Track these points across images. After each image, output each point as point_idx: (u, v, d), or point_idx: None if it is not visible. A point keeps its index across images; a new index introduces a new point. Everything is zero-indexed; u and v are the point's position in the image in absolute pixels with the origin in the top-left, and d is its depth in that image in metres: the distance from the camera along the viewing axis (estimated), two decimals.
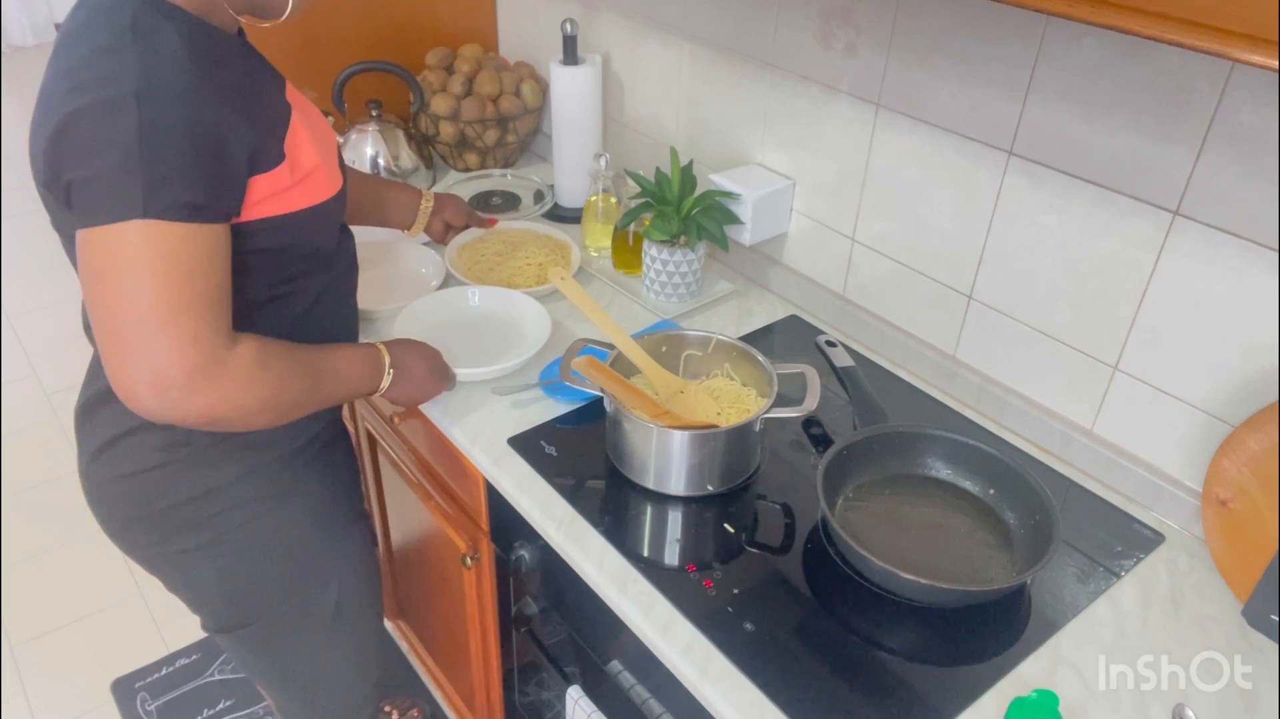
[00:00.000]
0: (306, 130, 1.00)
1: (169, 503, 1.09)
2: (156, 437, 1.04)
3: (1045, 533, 1.01)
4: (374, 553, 1.34)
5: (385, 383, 1.12)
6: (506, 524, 1.26)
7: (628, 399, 1.13)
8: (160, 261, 0.84)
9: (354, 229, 1.22)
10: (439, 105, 1.82)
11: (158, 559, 1.15)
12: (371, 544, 1.33)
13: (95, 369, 1.08)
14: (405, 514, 1.64)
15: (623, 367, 1.19)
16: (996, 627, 1.00)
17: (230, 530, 1.12)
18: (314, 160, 1.00)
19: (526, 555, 1.24)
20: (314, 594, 1.22)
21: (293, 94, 1.05)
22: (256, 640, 1.23)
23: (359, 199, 1.35)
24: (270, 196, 0.94)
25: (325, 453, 1.20)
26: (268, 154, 0.93)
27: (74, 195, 0.85)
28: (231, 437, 1.06)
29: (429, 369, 1.19)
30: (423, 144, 1.88)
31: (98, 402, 1.07)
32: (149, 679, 2.03)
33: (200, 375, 0.87)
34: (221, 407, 0.90)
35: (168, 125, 0.83)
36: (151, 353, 0.85)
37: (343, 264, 1.14)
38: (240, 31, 1.02)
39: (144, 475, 1.07)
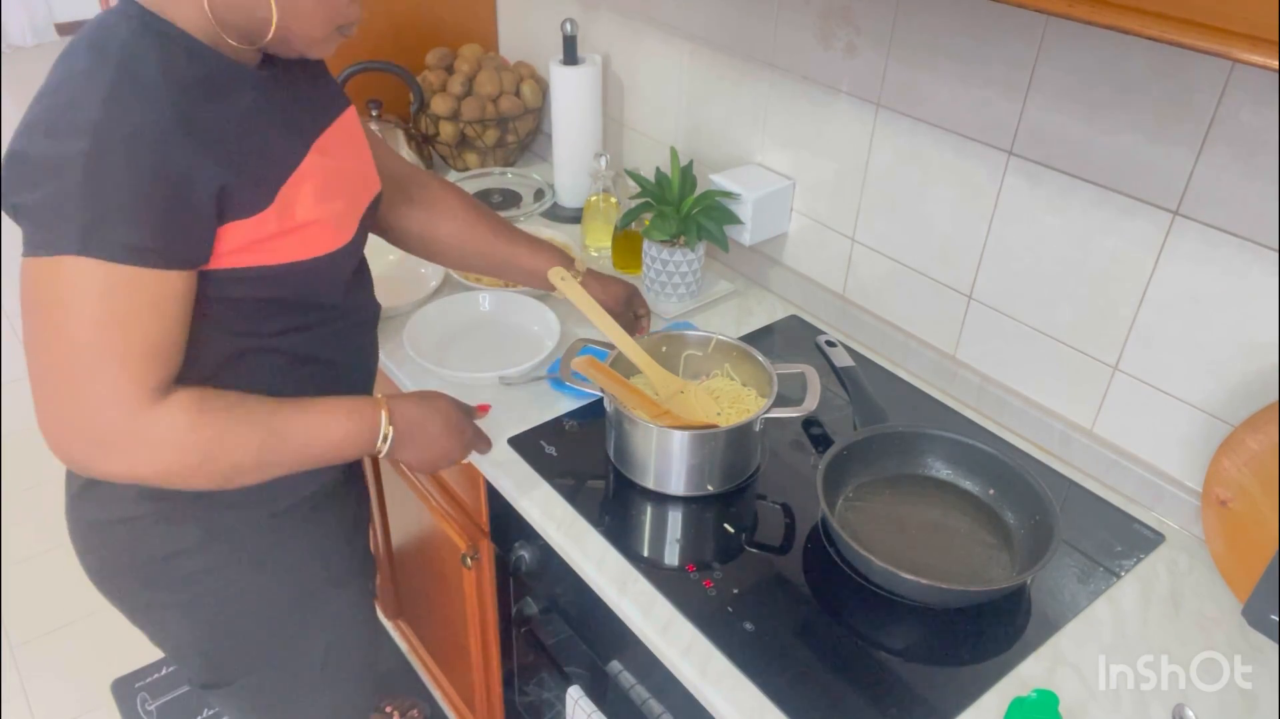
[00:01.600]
0: (320, 180, 0.93)
1: (140, 558, 1.02)
2: (132, 486, 0.96)
3: (1045, 533, 1.01)
4: (371, 605, 1.27)
5: (383, 445, 0.99)
6: (506, 524, 1.26)
7: (628, 399, 1.13)
8: (90, 305, 0.78)
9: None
10: (439, 105, 1.82)
11: (132, 610, 1.09)
12: (370, 595, 1.26)
13: None
14: (405, 514, 1.64)
15: (623, 367, 1.19)
16: (996, 627, 1.00)
17: (203, 593, 1.04)
18: (316, 213, 0.91)
19: (526, 555, 1.24)
20: (298, 656, 1.15)
21: (335, 139, 0.98)
22: (240, 697, 1.16)
23: (485, 255, 1.26)
24: (250, 245, 0.86)
25: (318, 513, 1.11)
26: (246, 199, 0.85)
27: (18, 220, 0.80)
28: (207, 494, 0.96)
29: (445, 427, 1.05)
30: (423, 144, 1.88)
31: None
32: (149, 679, 2.03)
33: (116, 433, 0.81)
34: (142, 468, 0.85)
35: (119, 160, 0.77)
36: (70, 403, 0.81)
37: (356, 316, 1.06)
38: (274, 61, 0.94)
39: (117, 526, 1.01)
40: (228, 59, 0.87)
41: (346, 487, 1.18)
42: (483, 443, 1.15)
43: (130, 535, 1.01)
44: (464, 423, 1.09)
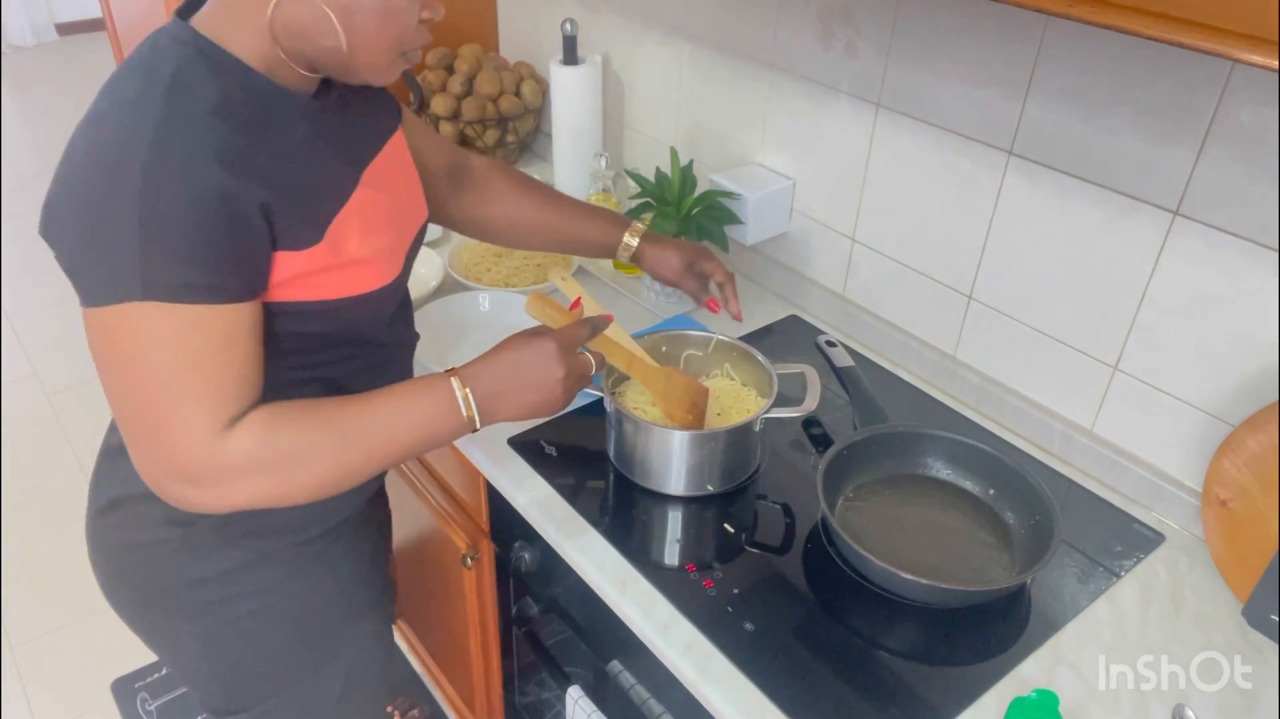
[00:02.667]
0: (368, 213, 0.90)
1: (161, 583, 1.00)
2: (156, 509, 0.93)
3: (1045, 533, 1.01)
4: (389, 629, 1.25)
5: (473, 414, 0.91)
6: (506, 524, 1.26)
7: (607, 350, 1.08)
8: (161, 349, 0.77)
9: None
10: (439, 105, 1.82)
11: (148, 634, 1.08)
12: (390, 619, 1.24)
13: None
14: (405, 514, 1.64)
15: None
16: (996, 627, 1.00)
17: (223, 622, 1.02)
18: (364, 250, 0.89)
19: (526, 555, 1.24)
20: (317, 685, 1.12)
21: (384, 165, 0.96)
22: None
23: (540, 232, 1.24)
24: (296, 279, 0.85)
25: (340, 544, 1.08)
26: (297, 232, 0.83)
27: (74, 271, 0.79)
28: (236, 523, 0.95)
29: (533, 367, 0.93)
30: None
31: (114, 454, 1.00)
32: (149, 679, 2.03)
33: (203, 471, 0.81)
34: (234, 498, 0.84)
35: (172, 201, 0.75)
36: (156, 447, 0.81)
37: (395, 349, 1.04)
38: (330, 89, 0.91)
39: (139, 550, 0.99)
40: (282, 89, 0.85)
41: (368, 515, 1.16)
42: (589, 363, 0.99)
43: (153, 560, 0.99)
44: (548, 356, 0.94)
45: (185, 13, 0.85)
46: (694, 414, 1.15)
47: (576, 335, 0.97)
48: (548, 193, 1.25)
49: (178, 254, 0.76)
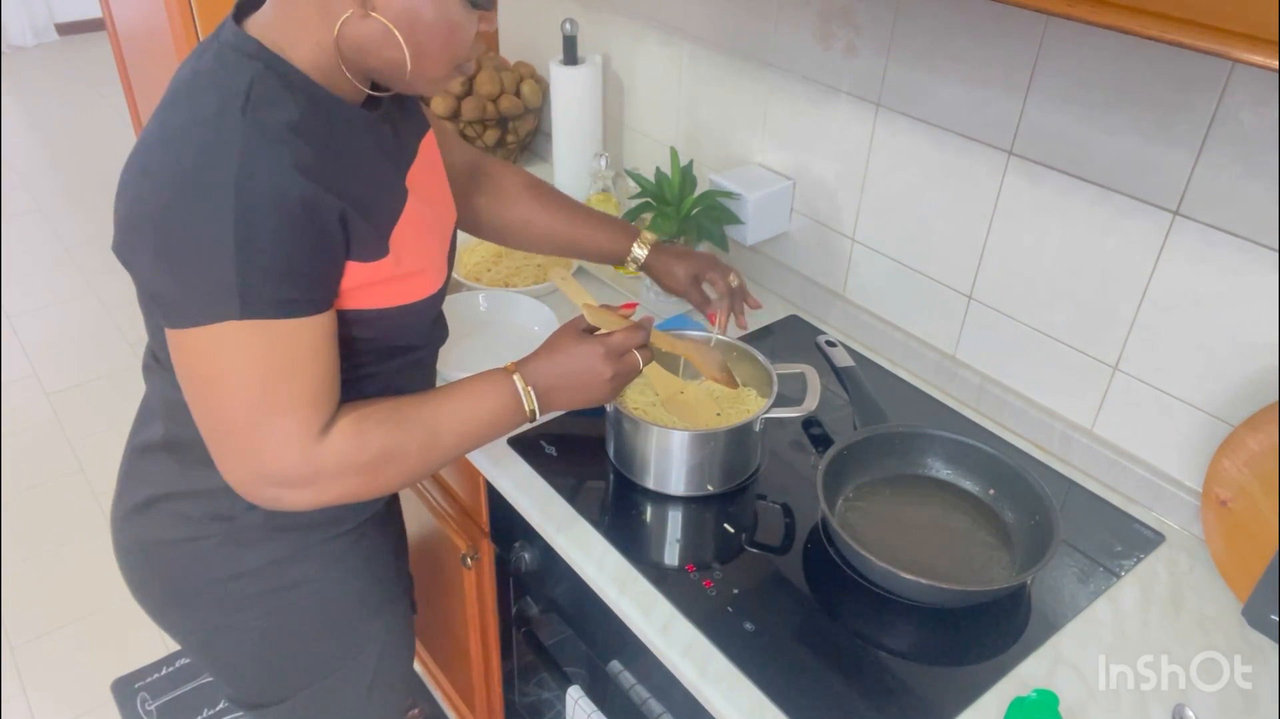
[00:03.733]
0: (420, 223, 0.92)
1: (199, 579, 1.01)
2: (195, 506, 0.97)
3: (1045, 533, 1.01)
4: (412, 620, 1.27)
5: (534, 406, 0.98)
6: (506, 524, 1.26)
7: (696, 359, 1.16)
8: (256, 364, 0.80)
9: None
10: (439, 105, 1.82)
11: (182, 630, 1.09)
12: (411, 611, 1.26)
13: (146, 413, 1.02)
14: (406, 514, 1.64)
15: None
16: (996, 627, 1.00)
17: (263, 614, 1.04)
18: (420, 262, 0.92)
19: (526, 555, 1.24)
20: (349, 674, 1.14)
21: (420, 172, 0.98)
22: (284, 716, 1.13)
23: (552, 238, 1.25)
24: (362, 288, 0.87)
25: (370, 535, 1.10)
26: (367, 243, 0.85)
27: (160, 294, 0.80)
28: (278, 517, 0.97)
29: (584, 363, 1.00)
30: None
31: (145, 453, 1.01)
32: (149, 679, 2.03)
33: (297, 475, 0.84)
34: (326, 497, 0.87)
35: (264, 220, 0.76)
36: (250, 457, 0.83)
37: (432, 348, 1.07)
38: (377, 101, 0.93)
39: (176, 546, 1.00)
40: (341, 102, 0.86)
41: (390, 511, 1.18)
42: (639, 355, 1.04)
43: (192, 555, 1.00)
44: (598, 359, 1.00)
45: (239, 14, 0.85)
46: (725, 374, 1.19)
47: (628, 340, 1.02)
48: (560, 198, 1.26)
49: (274, 271, 0.77)
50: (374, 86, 0.90)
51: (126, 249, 0.81)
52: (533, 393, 0.98)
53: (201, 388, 0.82)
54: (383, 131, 0.92)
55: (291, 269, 0.79)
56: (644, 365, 1.05)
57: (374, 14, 0.81)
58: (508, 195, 1.23)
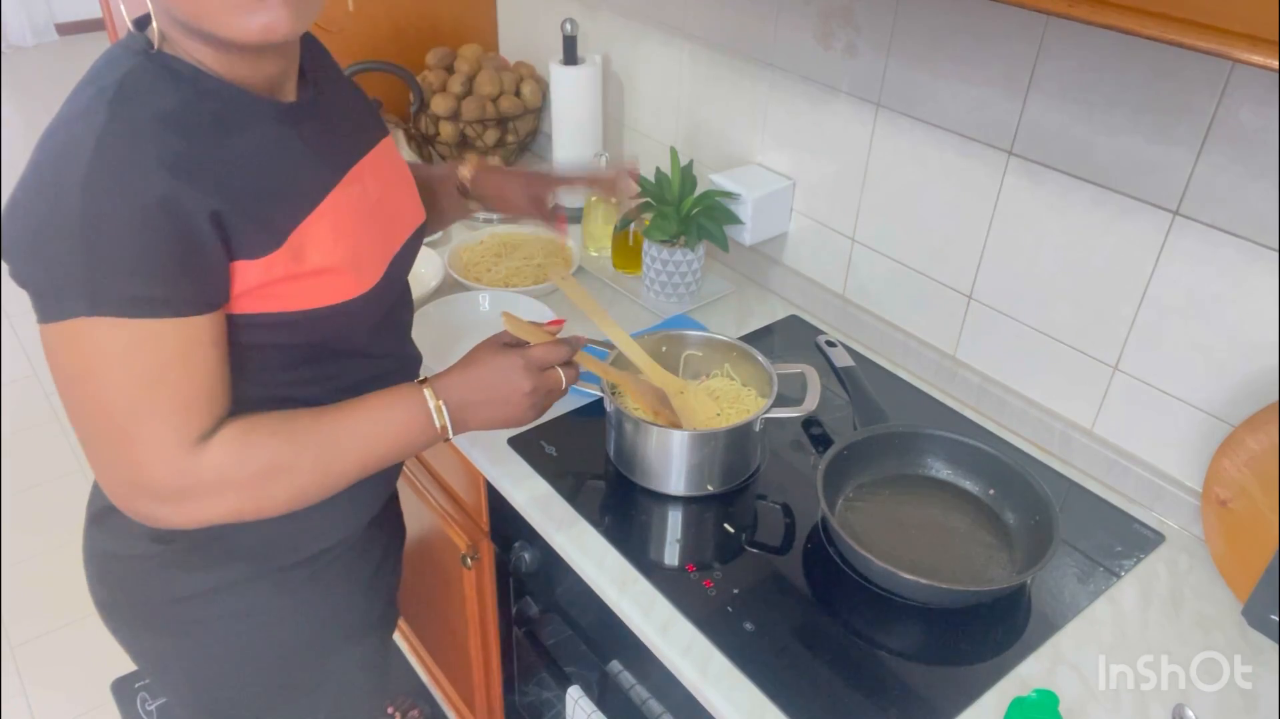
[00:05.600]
0: (342, 217, 0.87)
1: (145, 597, 0.98)
2: (135, 524, 0.89)
3: (1045, 533, 1.01)
4: (387, 652, 1.22)
5: (445, 423, 0.91)
6: (506, 524, 1.26)
7: (630, 388, 1.12)
8: (115, 366, 0.75)
9: None
10: (439, 105, 1.82)
11: (132, 647, 1.07)
12: (387, 644, 1.21)
13: None
14: (406, 515, 1.64)
15: (622, 367, 1.19)
16: (996, 627, 1.00)
17: (206, 641, 1.00)
18: (332, 259, 0.85)
19: (526, 555, 1.24)
20: (300, 710, 1.10)
21: (368, 171, 0.93)
22: None
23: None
24: (259, 289, 0.81)
25: (341, 562, 1.04)
26: (253, 239, 0.80)
27: (25, 286, 0.76)
28: (217, 542, 0.93)
29: (503, 378, 0.94)
30: (423, 144, 1.88)
31: None
32: (149, 679, 2.03)
33: (172, 488, 0.79)
34: (209, 513, 0.82)
35: (112, 213, 0.72)
36: (121, 466, 0.79)
37: (386, 364, 1.00)
38: (308, 90, 0.89)
39: (126, 561, 0.97)
40: (245, 93, 0.82)
41: (373, 533, 1.11)
42: (562, 373, 0.98)
43: (137, 574, 0.98)
44: (516, 371, 0.94)
45: (143, 23, 0.83)
46: (663, 408, 1.14)
47: (549, 354, 0.96)
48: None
49: (122, 266, 0.73)
50: (312, 86, 0.87)
51: (5, 249, 0.77)
52: (444, 408, 0.91)
53: (67, 390, 0.78)
54: (304, 125, 0.87)
55: (146, 267, 0.74)
56: (567, 385, 0.98)
57: None
58: None
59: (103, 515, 0.98)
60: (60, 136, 0.76)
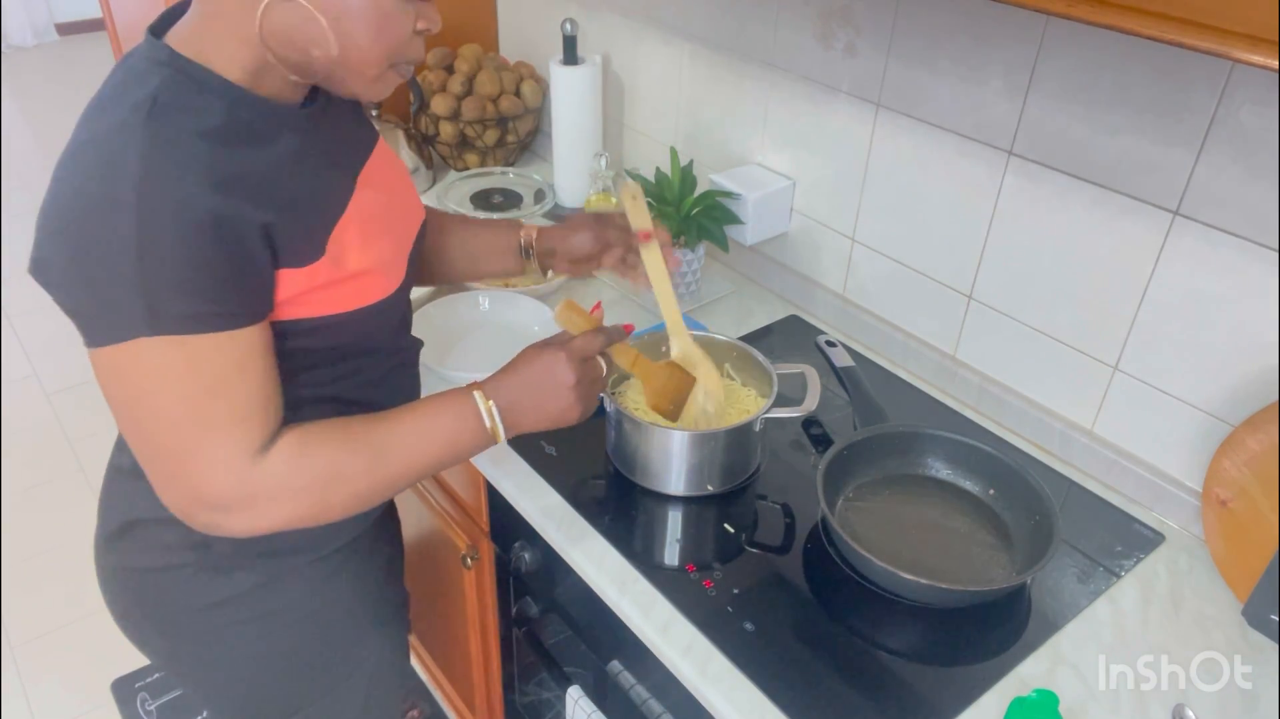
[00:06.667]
0: (366, 219, 0.89)
1: (180, 608, 0.99)
2: (169, 533, 0.93)
3: (1045, 533, 1.01)
4: (407, 638, 1.23)
5: (497, 428, 0.91)
6: (506, 524, 1.26)
7: (621, 357, 1.04)
8: (176, 382, 0.76)
9: None
10: (439, 105, 1.82)
11: (167, 659, 1.06)
12: (406, 630, 1.23)
13: (122, 434, 0.97)
14: (405, 514, 1.64)
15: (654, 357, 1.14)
16: (996, 627, 1.00)
17: (247, 642, 1.01)
18: (366, 261, 0.88)
19: (526, 556, 1.24)
20: (342, 696, 1.11)
21: (376, 170, 0.94)
22: None
23: (451, 256, 1.17)
24: (300, 296, 0.83)
25: (358, 557, 1.07)
26: (297, 248, 0.82)
27: (75, 313, 0.77)
28: (252, 543, 0.94)
29: (552, 379, 0.93)
30: (423, 144, 1.88)
31: (121, 476, 0.98)
32: (149, 679, 2.03)
33: (232, 498, 0.81)
34: (267, 522, 0.83)
35: (167, 232, 0.73)
36: (183, 479, 0.80)
37: (400, 357, 1.03)
38: (317, 99, 0.89)
39: (154, 574, 0.98)
40: (268, 102, 0.83)
41: (380, 530, 1.14)
42: (600, 368, 0.98)
43: (169, 584, 0.98)
44: (559, 364, 0.93)
45: (159, 29, 0.82)
46: (674, 406, 1.11)
47: (589, 344, 0.96)
48: (457, 218, 1.20)
49: (180, 285, 0.74)
50: (316, 89, 0.88)
51: (38, 271, 0.78)
52: (495, 409, 0.91)
53: (125, 410, 0.80)
54: (318, 131, 0.88)
55: (201, 283, 0.75)
56: (605, 372, 0.98)
57: None
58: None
59: (126, 530, 0.98)
60: (97, 155, 0.75)
